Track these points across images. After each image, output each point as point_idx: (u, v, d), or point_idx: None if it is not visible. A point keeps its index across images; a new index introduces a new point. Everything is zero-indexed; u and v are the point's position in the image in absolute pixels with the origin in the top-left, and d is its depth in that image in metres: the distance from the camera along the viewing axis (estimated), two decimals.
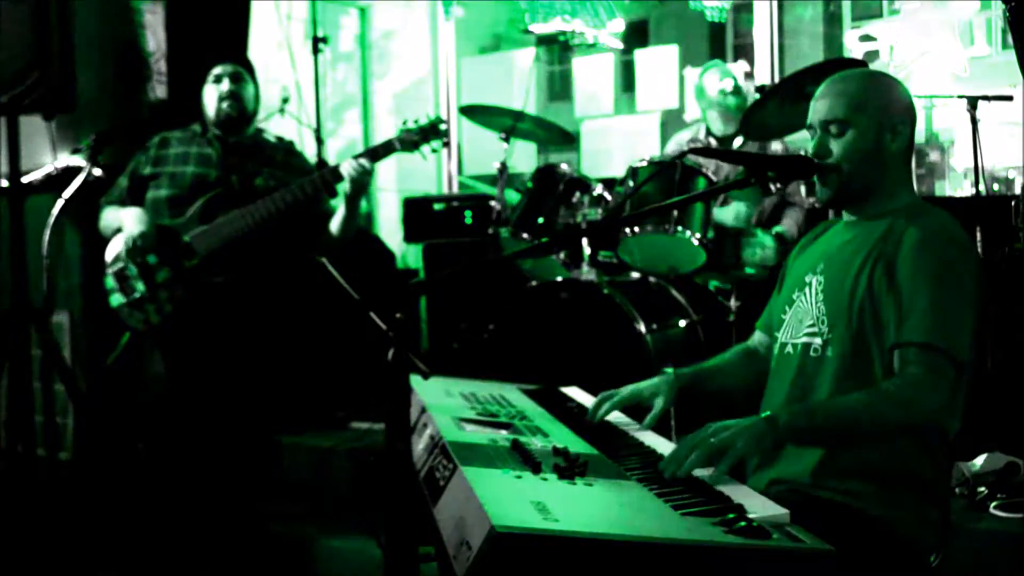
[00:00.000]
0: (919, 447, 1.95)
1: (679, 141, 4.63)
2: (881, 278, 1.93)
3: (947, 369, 1.85)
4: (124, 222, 3.63)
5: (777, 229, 4.09)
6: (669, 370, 2.24)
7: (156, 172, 3.71)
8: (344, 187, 3.56)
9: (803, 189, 3.96)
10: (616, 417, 2.20)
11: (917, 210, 2.02)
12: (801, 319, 2.05)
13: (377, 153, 3.65)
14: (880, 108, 2.02)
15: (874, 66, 5.02)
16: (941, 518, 1.99)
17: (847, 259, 2.01)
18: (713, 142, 4.44)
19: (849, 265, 1.99)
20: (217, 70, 3.72)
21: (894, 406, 1.86)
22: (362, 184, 3.57)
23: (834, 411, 1.90)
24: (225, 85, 3.69)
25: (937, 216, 2.00)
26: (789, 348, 2.07)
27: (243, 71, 3.75)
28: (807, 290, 2.07)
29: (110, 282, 3.65)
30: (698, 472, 1.70)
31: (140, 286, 3.60)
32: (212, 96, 3.71)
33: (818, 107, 2.06)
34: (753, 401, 2.16)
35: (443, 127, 3.70)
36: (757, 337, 2.33)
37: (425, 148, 3.67)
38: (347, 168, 3.54)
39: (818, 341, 2.00)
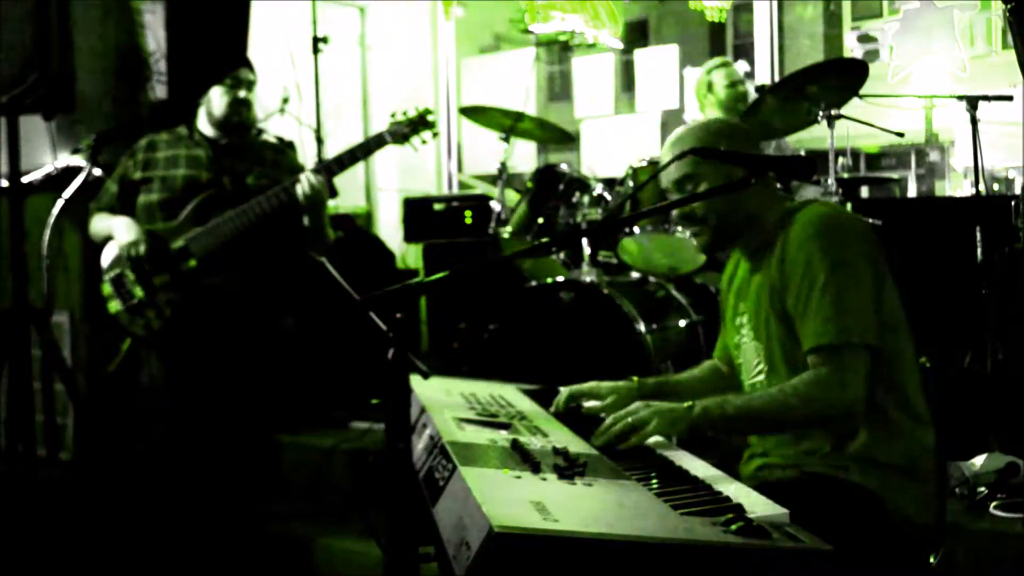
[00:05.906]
0: (914, 441, 1.98)
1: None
2: (781, 301, 1.98)
3: (855, 361, 1.89)
4: (115, 232, 3.63)
5: None
6: (635, 379, 2.29)
7: (146, 176, 3.70)
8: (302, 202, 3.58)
9: (809, 190, 3.95)
10: None
11: (788, 214, 2.05)
12: (750, 360, 2.12)
13: (369, 147, 3.66)
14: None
15: (874, 66, 5.02)
16: (940, 513, 2.01)
17: (756, 297, 2.08)
18: None
19: (760, 304, 2.06)
20: (235, 75, 3.71)
21: (799, 403, 1.91)
22: (314, 200, 3.58)
23: (745, 406, 1.96)
24: (242, 92, 3.70)
25: (808, 211, 2.02)
26: (747, 387, 2.15)
27: (255, 81, 3.76)
28: (743, 331, 2.14)
29: (107, 288, 3.65)
30: (697, 472, 1.70)
31: (139, 291, 3.60)
32: (223, 99, 3.70)
33: (667, 173, 2.10)
34: None
35: (431, 118, 3.71)
36: (718, 361, 2.38)
37: (415, 140, 3.68)
38: (300, 186, 3.55)
39: (764, 379, 2.07)
